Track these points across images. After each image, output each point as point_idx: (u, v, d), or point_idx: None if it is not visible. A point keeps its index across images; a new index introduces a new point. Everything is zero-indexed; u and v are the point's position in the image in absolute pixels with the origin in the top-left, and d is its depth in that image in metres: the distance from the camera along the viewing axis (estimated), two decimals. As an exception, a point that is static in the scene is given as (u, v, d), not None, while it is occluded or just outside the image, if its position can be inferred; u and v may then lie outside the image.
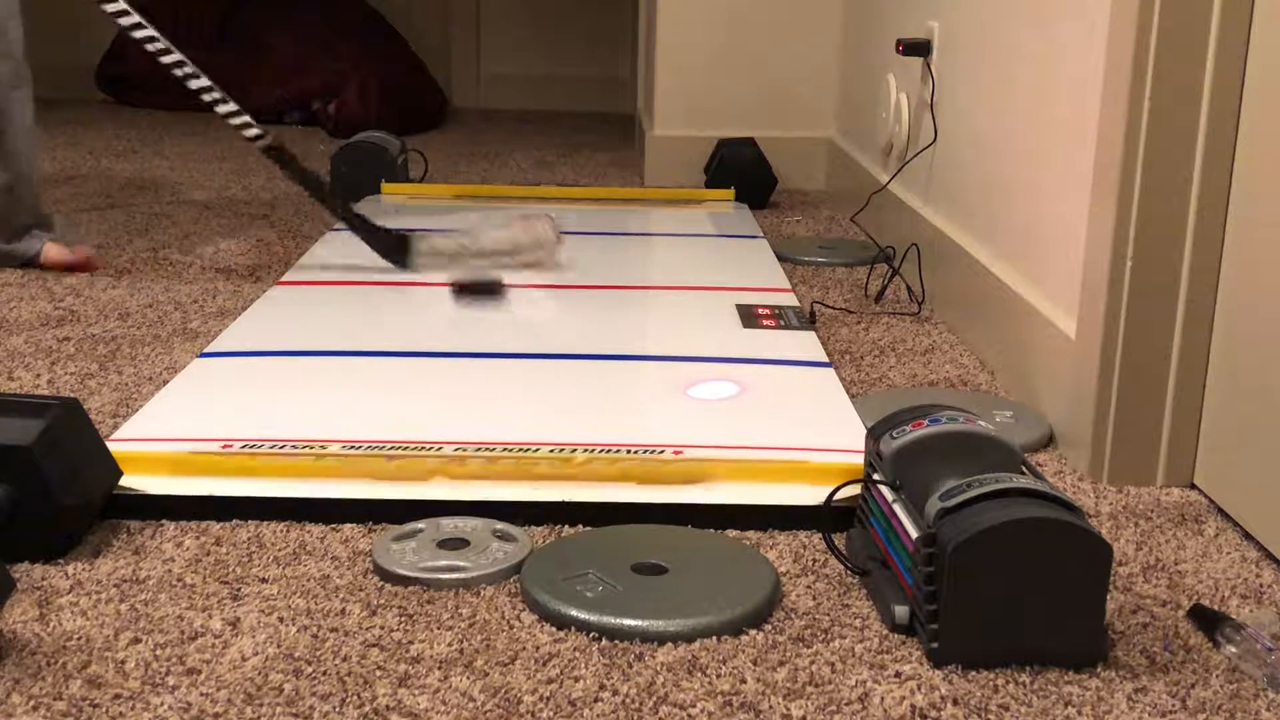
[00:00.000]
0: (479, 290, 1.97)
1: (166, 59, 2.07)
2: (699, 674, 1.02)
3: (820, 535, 1.25)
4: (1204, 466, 1.39)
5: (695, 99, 3.08)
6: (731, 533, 1.27)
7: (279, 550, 1.21)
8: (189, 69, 2.07)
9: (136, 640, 1.05)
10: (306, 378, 1.66)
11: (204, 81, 2.08)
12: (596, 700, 0.98)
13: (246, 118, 2.10)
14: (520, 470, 1.34)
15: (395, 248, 2.12)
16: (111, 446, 1.28)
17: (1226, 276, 1.36)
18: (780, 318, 1.91)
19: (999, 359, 1.76)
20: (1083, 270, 1.47)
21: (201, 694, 0.98)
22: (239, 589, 1.14)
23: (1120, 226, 1.38)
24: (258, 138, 2.10)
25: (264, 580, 1.16)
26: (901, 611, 1.08)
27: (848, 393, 1.61)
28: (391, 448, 1.38)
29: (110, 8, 2.02)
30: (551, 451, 1.38)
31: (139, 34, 2.06)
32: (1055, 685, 1.02)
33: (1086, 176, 1.48)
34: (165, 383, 1.62)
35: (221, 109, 2.09)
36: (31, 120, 2.15)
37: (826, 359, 1.75)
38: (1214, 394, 1.38)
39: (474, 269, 2.03)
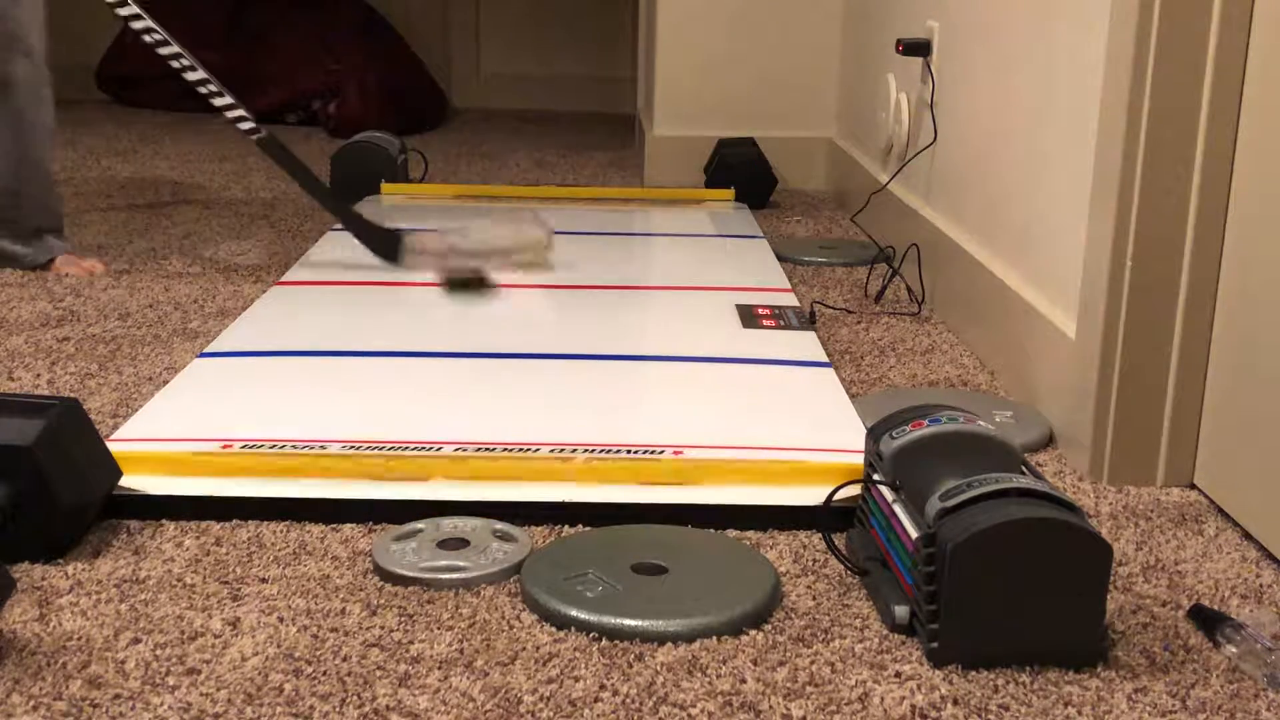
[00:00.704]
0: (467, 285, 1.98)
1: (164, 50, 2.08)
2: (699, 674, 1.02)
3: (820, 535, 1.25)
4: (1204, 466, 1.39)
5: (695, 99, 3.08)
6: (731, 533, 1.27)
7: (279, 550, 1.21)
8: (186, 60, 2.08)
9: (136, 640, 1.05)
10: (306, 378, 1.66)
11: (201, 74, 2.08)
12: (596, 700, 0.98)
13: (241, 111, 2.11)
14: (520, 470, 1.34)
15: (387, 244, 2.13)
16: (111, 446, 1.28)
17: (1226, 276, 1.36)
18: (780, 318, 1.91)
19: (999, 359, 1.76)
20: (1083, 270, 1.47)
21: (201, 694, 0.98)
22: (239, 589, 1.14)
23: (1120, 226, 1.38)
24: (252, 130, 2.11)
25: (264, 580, 1.16)
26: (901, 611, 1.08)
27: (848, 393, 1.61)
28: (391, 448, 1.38)
29: None
30: (551, 451, 1.38)
31: (137, 24, 2.07)
32: (1055, 685, 1.02)
33: (1086, 176, 1.48)
34: (165, 383, 1.62)
35: (217, 101, 2.10)
36: (51, 122, 2.15)
37: (826, 359, 1.75)
38: (1214, 394, 1.38)
39: (463, 264, 2.04)
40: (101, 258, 2.23)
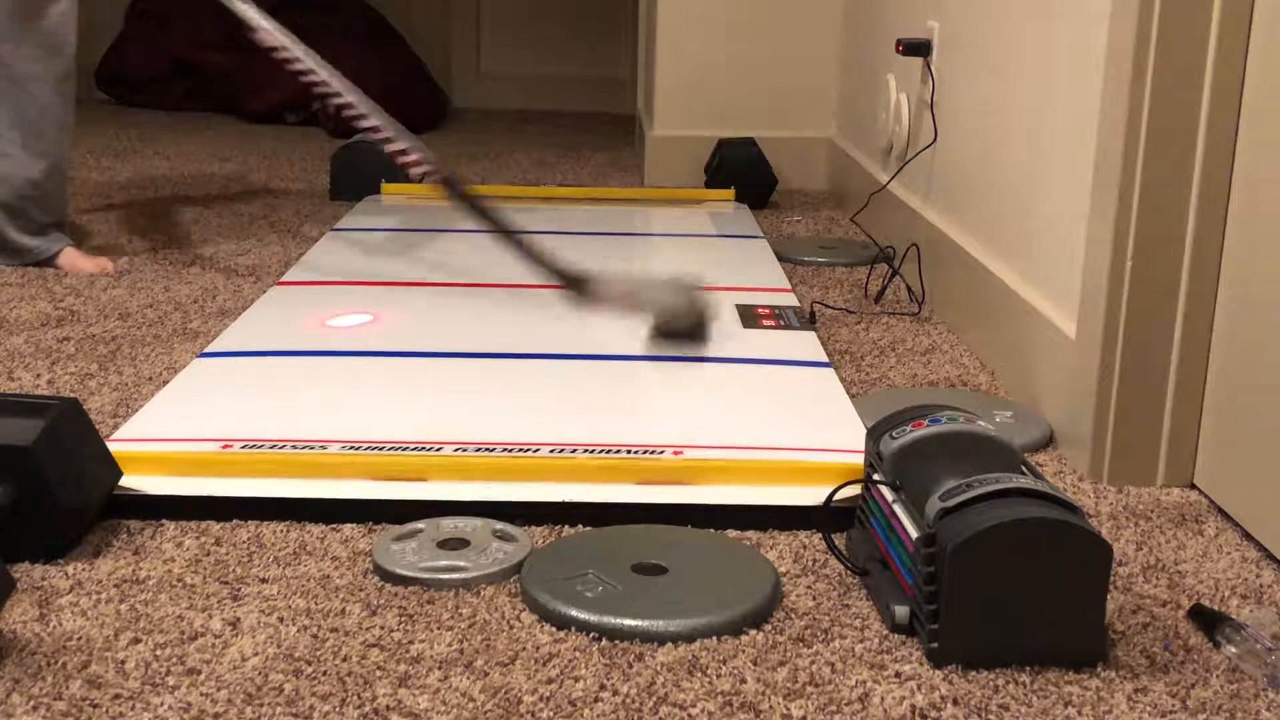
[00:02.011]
0: (682, 335, 1.82)
1: (336, 100, 1.97)
2: (699, 674, 1.02)
3: (820, 535, 1.25)
4: (1204, 466, 1.39)
5: (695, 99, 3.08)
6: (731, 533, 1.27)
7: (279, 550, 1.21)
8: (357, 110, 1.95)
9: (136, 640, 1.05)
10: (306, 378, 1.66)
11: (374, 121, 1.95)
12: (596, 700, 0.98)
13: (417, 155, 1.95)
14: (520, 470, 1.34)
15: (574, 282, 1.90)
16: (111, 446, 1.28)
17: (1226, 276, 1.36)
18: (780, 318, 1.92)
19: (999, 359, 1.76)
20: (1083, 270, 1.47)
21: (201, 694, 0.98)
22: (239, 589, 1.14)
23: (1120, 226, 1.38)
24: (426, 173, 1.95)
25: (264, 580, 1.16)
26: (901, 611, 1.08)
27: (848, 393, 1.61)
28: (391, 448, 1.38)
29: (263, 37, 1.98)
30: (551, 451, 1.38)
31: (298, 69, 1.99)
32: (1055, 685, 1.02)
33: (1086, 176, 1.48)
34: (165, 383, 1.62)
35: (390, 147, 1.96)
36: (71, 119, 2.16)
37: (826, 359, 1.75)
38: (1214, 394, 1.38)
39: (669, 314, 1.83)
40: (109, 256, 2.23)
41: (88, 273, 2.15)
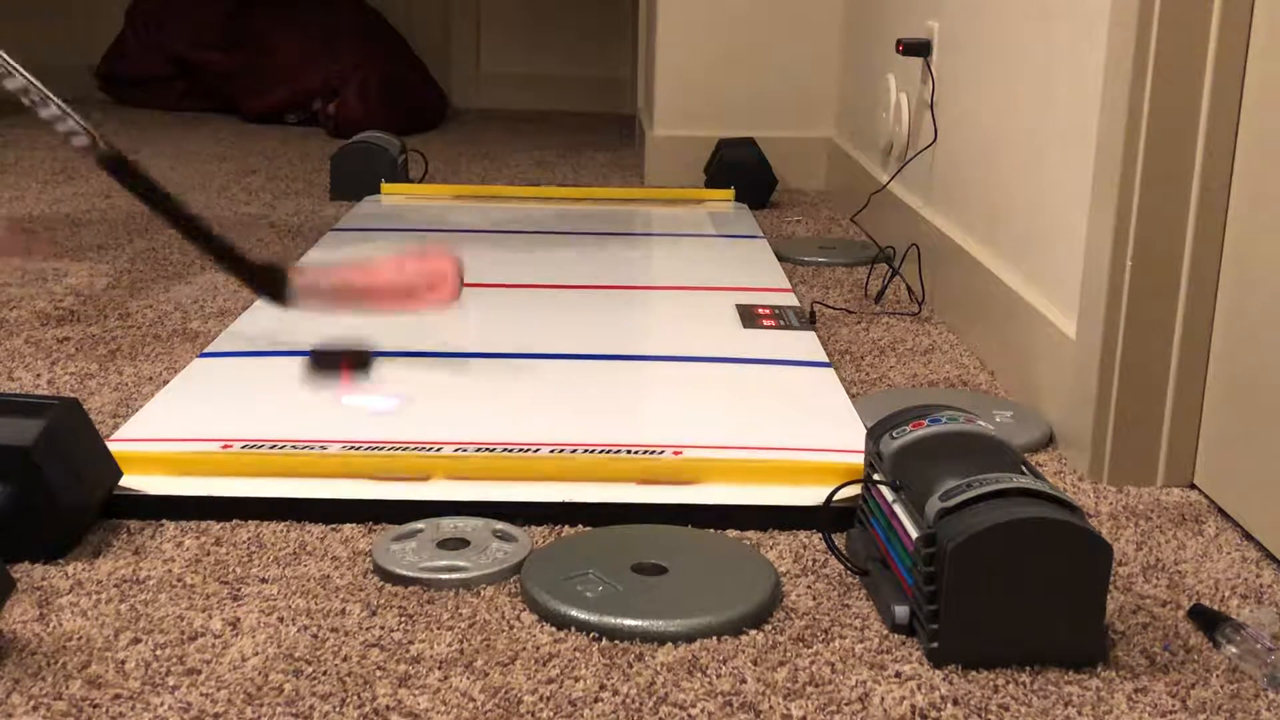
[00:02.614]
0: (341, 361, 1.64)
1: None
2: (699, 674, 1.02)
3: (820, 535, 1.25)
4: (1204, 466, 1.39)
5: (695, 99, 3.08)
6: (731, 533, 1.27)
7: (279, 550, 1.21)
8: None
9: (136, 640, 1.05)
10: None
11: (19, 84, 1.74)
12: (596, 700, 0.98)
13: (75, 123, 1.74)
14: (520, 470, 1.35)
15: (267, 280, 1.77)
16: (111, 446, 1.28)
17: (1226, 276, 1.36)
18: (780, 318, 1.92)
19: (999, 359, 1.76)
20: (1083, 270, 1.47)
21: (201, 694, 0.98)
22: (239, 589, 1.14)
23: (1120, 226, 1.38)
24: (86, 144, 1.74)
25: (264, 580, 1.16)
26: (901, 611, 1.08)
27: (848, 393, 1.61)
28: (391, 448, 1.38)
29: None
30: (551, 451, 1.38)
31: None
32: (1055, 685, 1.02)
33: (1086, 176, 1.48)
34: (165, 383, 1.62)
35: (43, 113, 1.75)
36: None
37: (826, 359, 1.75)
38: (1214, 394, 1.38)
39: (347, 327, 1.69)
40: (39, 239, 2.12)
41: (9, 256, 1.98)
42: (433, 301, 1.72)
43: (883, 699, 0.99)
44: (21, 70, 1.74)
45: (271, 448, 1.38)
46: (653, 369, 1.75)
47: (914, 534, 1.07)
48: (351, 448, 1.38)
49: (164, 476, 1.31)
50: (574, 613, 1.08)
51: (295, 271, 1.77)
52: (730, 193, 2.81)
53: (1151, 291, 1.38)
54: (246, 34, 4.04)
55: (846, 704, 0.99)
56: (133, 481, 1.29)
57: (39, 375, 1.67)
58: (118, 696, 0.97)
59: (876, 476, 1.18)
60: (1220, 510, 1.35)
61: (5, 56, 1.75)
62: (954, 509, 1.03)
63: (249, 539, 1.23)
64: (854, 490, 1.22)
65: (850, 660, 1.05)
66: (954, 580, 1.02)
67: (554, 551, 1.20)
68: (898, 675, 1.03)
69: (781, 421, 1.52)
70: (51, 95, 1.73)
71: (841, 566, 1.19)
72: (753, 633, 1.08)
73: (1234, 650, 1.06)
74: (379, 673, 1.01)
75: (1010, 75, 1.84)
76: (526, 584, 1.13)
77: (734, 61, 3.06)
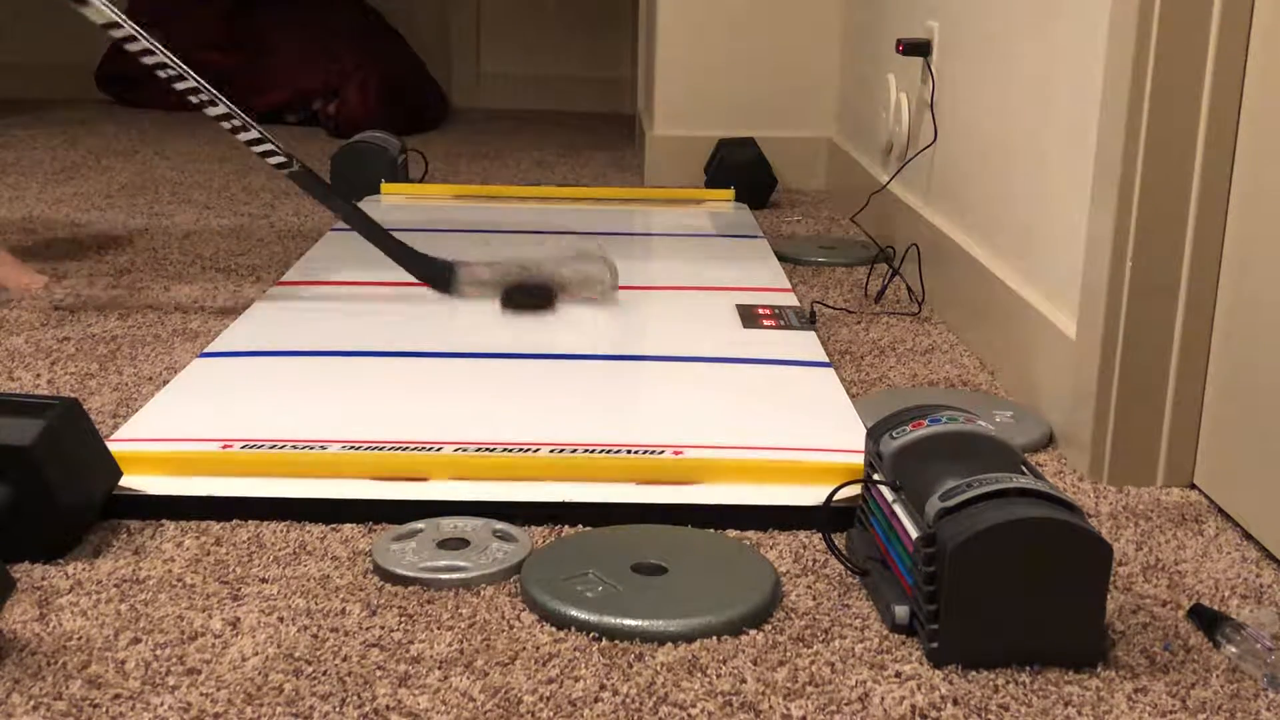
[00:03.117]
0: (528, 298, 1.91)
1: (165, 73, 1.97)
2: (699, 674, 1.02)
3: (820, 535, 1.25)
4: (1204, 466, 1.39)
5: (695, 99, 3.08)
6: (731, 533, 1.27)
7: (279, 550, 1.21)
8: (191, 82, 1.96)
9: (136, 640, 1.05)
10: (306, 378, 1.66)
11: (215, 100, 1.96)
12: (596, 700, 0.98)
13: (272, 144, 1.97)
14: (520, 470, 1.34)
15: (438, 274, 1.99)
16: (111, 446, 1.28)
17: (1226, 276, 1.36)
18: (780, 318, 1.92)
19: (999, 359, 1.76)
20: (1083, 270, 1.47)
21: (201, 694, 0.98)
22: (239, 589, 1.14)
23: (1120, 226, 1.38)
24: (283, 165, 1.98)
25: (264, 580, 1.16)
26: (901, 611, 1.08)
27: (848, 393, 1.61)
28: (391, 448, 1.38)
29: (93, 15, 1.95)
30: (551, 451, 1.38)
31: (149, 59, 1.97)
32: (1055, 685, 1.02)
33: (1086, 176, 1.48)
34: (165, 383, 1.62)
35: (242, 136, 1.97)
36: None
37: (826, 359, 1.75)
38: (1214, 394, 1.38)
39: (524, 280, 1.94)
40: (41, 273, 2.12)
41: (19, 285, 2.03)
42: (586, 298, 1.96)
43: (883, 699, 0.99)
44: (224, 99, 1.96)
45: (271, 448, 1.38)
46: (653, 369, 1.75)
47: (914, 534, 1.07)
48: (351, 448, 1.38)
49: (164, 476, 1.31)
50: (574, 613, 1.08)
51: (462, 266, 1.98)
52: (730, 193, 2.81)
53: (1151, 291, 1.38)
54: (246, 34, 4.04)
55: (846, 704, 0.99)
56: (133, 481, 1.29)
57: (39, 375, 1.67)
58: (118, 696, 0.97)
59: (876, 476, 1.18)
60: (1220, 510, 1.35)
61: (209, 87, 1.97)
62: (954, 509, 1.03)
63: (249, 539, 1.23)
64: (854, 490, 1.22)
65: (850, 660, 1.05)
66: (954, 580, 1.02)
67: (554, 551, 1.20)
68: (898, 675, 1.03)
69: (781, 421, 1.52)
70: (252, 121, 1.97)
71: (841, 566, 1.19)
72: (753, 633, 1.08)
73: (1234, 650, 1.06)
74: (379, 673, 1.01)
75: (1010, 75, 1.84)
76: (526, 584, 1.13)
77: (734, 61, 3.06)
